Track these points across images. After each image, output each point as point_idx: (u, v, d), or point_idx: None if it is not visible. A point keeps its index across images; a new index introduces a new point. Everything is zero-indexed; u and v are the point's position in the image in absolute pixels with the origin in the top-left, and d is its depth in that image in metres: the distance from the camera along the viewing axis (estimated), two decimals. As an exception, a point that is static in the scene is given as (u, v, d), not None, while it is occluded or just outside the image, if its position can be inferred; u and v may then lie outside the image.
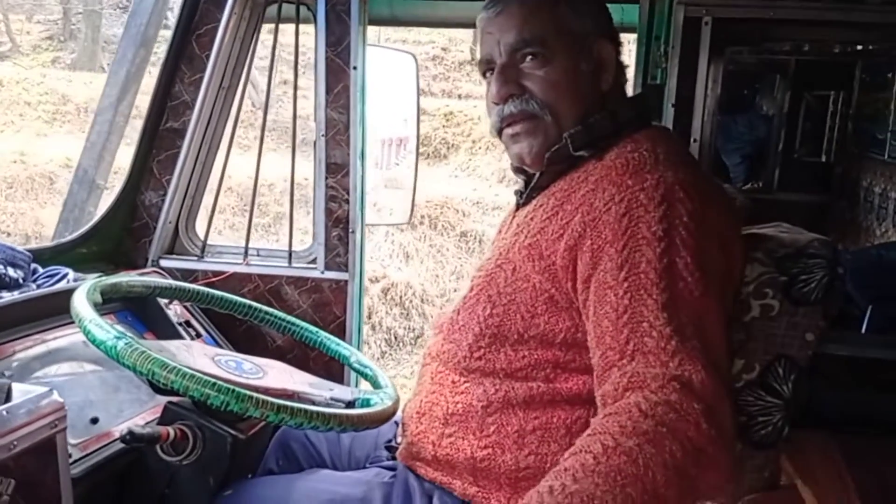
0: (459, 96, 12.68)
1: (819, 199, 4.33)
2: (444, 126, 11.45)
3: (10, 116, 11.73)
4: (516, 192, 1.50)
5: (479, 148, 11.32)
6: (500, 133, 1.40)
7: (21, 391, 1.11)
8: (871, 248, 3.07)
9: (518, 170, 1.50)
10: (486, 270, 1.38)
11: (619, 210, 1.17)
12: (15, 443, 1.03)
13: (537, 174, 1.41)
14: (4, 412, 1.04)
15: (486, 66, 1.39)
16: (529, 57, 1.33)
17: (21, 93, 12.15)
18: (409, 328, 7.79)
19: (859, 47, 4.03)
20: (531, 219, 1.35)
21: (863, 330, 2.20)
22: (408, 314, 7.92)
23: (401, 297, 7.93)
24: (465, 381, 1.35)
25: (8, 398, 1.10)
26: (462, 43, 13.64)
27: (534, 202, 1.39)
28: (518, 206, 1.47)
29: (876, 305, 2.22)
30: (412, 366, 7.11)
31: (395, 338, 7.58)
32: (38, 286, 1.74)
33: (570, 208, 1.26)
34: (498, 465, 1.29)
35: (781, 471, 1.27)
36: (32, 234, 8.67)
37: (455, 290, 8.08)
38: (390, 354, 7.34)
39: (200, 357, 1.46)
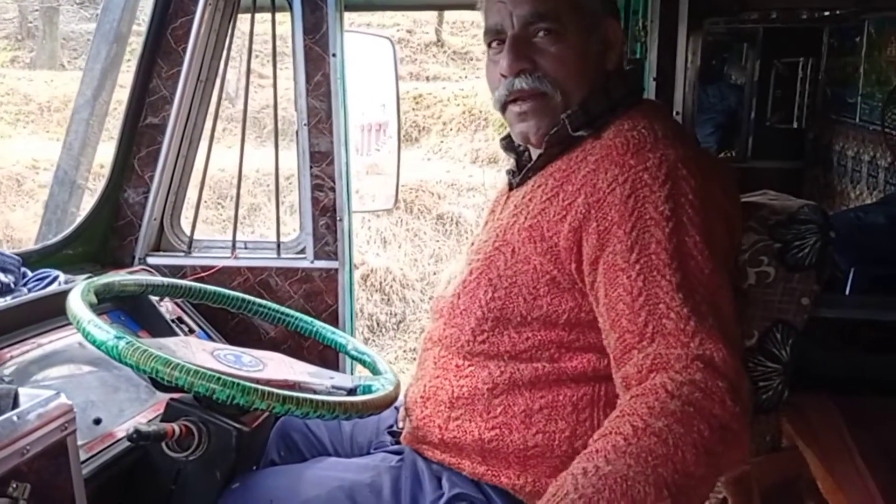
0: (427, 78, 12.62)
1: (793, 166, 4.40)
2: (413, 109, 11.40)
3: (-29, 119, 11.53)
4: (508, 172, 1.49)
5: (451, 130, 11.29)
6: (503, 107, 1.38)
7: (28, 395, 1.10)
8: (850, 212, 3.12)
9: (508, 147, 1.50)
10: (483, 253, 1.38)
11: (624, 191, 1.18)
12: (28, 447, 1.03)
13: (534, 154, 1.41)
14: (15, 417, 1.03)
15: (495, 37, 1.37)
16: (542, 32, 1.31)
17: (-21, 95, 11.94)
18: (390, 314, 7.79)
19: (826, 13, 4.09)
20: (529, 200, 1.34)
21: (846, 292, 2.25)
22: (388, 300, 7.92)
23: (381, 283, 7.93)
24: (469, 365, 1.35)
25: (15, 403, 1.10)
26: (427, 24, 13.56)
27: (530, 182, 1.38)
28: (511, 187, 1.46)
29: (858, 267, 2.27)
30: (396, 351, 7.13)
31: (378, 324, 7.58)
32: (30, 290, 1.72)
33: (572, 189, 1.26)
34: (506, 444, 1.30)
35: (783, 434, 1.30)
36: (3, 237, 8.53)
37: (435, 274, 8.08)
38: (373, 341, 7.34)
39: (199, 353, 1.45)
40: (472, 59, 13.41)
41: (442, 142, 11.12)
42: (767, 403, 1.26)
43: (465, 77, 12.86)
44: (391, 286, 7.97)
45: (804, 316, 1.27)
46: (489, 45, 1.39)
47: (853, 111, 3.87)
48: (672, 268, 1.11)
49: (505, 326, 1.31)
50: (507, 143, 1.52)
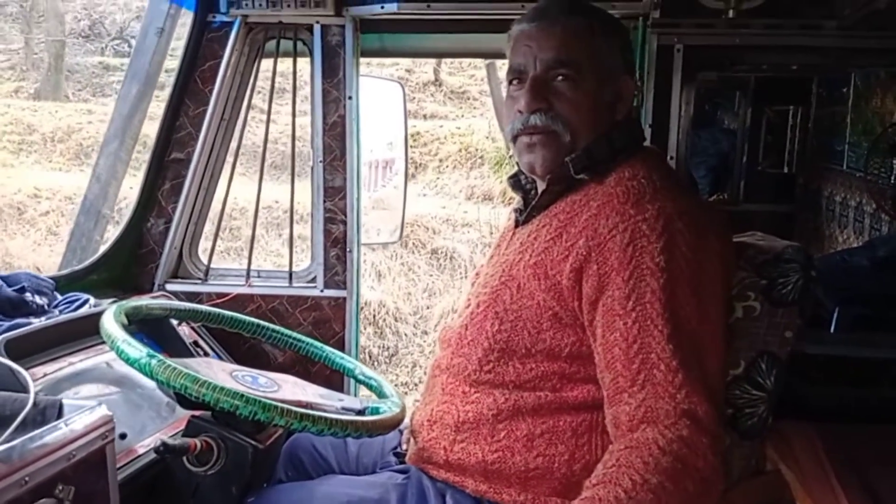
0: (425, 116, 12.70)
1: (784, 209, 4.50)
2: (411, 146, 11.43)
3: (-27, 148, 11.60)
4: (515, 210, 1.59)
5: (447, 166, 11.36)
6: (514, 138, 1.48)
7: (71, 406, 1.20)
8: (836, 254, 3.23)
9: (516, 185, 1.60)
10: (490, 287, 1.46)
11: (624, 239, 1.28)
12: (74, 452, 1.11)
13: (538, 194, 1.51)
14: (63, 425, 1.12)
15: (516, 75, 1.47)
16: (561, 77, 1.42)
17: (-16, 124, 12.03)
18: (383, 347, 7.79)
19: (815, 64, 4.23)
20: (534, 238, 1.43)
21: (832, 330, 2.34)
22: (381, 333, 7.93)
23: (374, 316, 7.93)
24: (475, 392, 1.43)
25: (60, 413, 1.19)
26: (425, 64, 13.69)
27: (535, 221, 1.47)
28: (517, 224, 1.55)
29: (843, 307, 2.36)
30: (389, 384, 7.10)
31: (370, 357, 7.58)
32: (60, 311, 1.82)
33: (575, 231, 1.36)
34: (508, 466, 1.38)
35: (766, 458, 1.39)
36: (3, 265, 8.58)
37: (428, 308, 8.10)
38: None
39: (220, 373, 1.53)
40: (468, 99, 13.54)
41: (438, 178, 11.19)
42: (752, 430, 1.36)
43: (462, 116, 12.97)
44: (384, 319, 7.97)
45: (788, 348, 1.37)
46: (510, 83, 1.49)
47: (841, 158, 3.99)
48: (664, 318, 1.23)
49: (510, 357, 1.40)
50: (515, 182, 1.61)
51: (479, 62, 13.10)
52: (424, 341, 7.85)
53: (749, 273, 1.39)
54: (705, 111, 5.38)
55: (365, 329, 7.68)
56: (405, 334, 7.92)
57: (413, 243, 8.99)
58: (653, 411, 1.19)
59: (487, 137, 11.93)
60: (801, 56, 2.14)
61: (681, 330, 1.23)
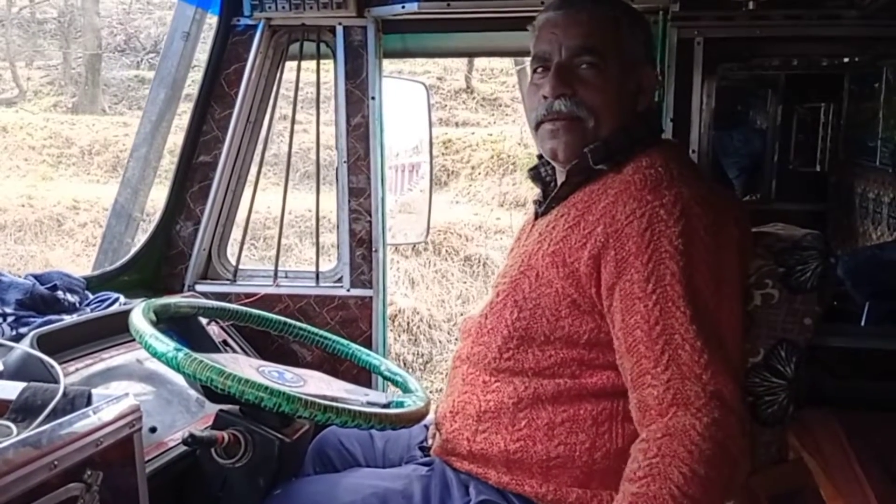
0: (456, 124, 12.76)
1: (816, 208, 4.45)
2: (443, 154, 11.53)
3: (15, 161, 11.87)
4: (535, 202, 1.61)
5: (479, 174, 11.39)
6: (538, 125, 1.50)
7: (100, 396, 1.23)
8: (867, 249, 3.19)
9: (536, 177, 1.63)
10: (510, 277, 1.48)
11: (642, 224, 1.29)
12: (101, 439, 1.14)
13: (557, 186, 1.52)
14: (91, 412, 1.16)
15: (541, 63, 1.49)
16: (586, 64, 1.44)
17: (25, 137, 12.31)
18: (417, 354, 7.82)
19: (846, 60, 4.18)
20: (553, 228, 1.45)
21: (862, 324, 2.31)
22: (416, 340, 7.96)
23: (408, 324, 7.97)
24: (495, 381, 1.45)
25: (89, 403, 1.22)
26: (457, 72, 13.75)
27: (554, 212, 1.49)
28: (537, 216, 1.57)
29: (873, 301, 2.34)
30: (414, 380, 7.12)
31: (404, 364, 7.60)
32: (92, 310, 1.86)
33: (592, 219, 1.37)
34: (530, 455, 1.39)
35: (788, 447, 1.38)
36: (44, 274, 8.74)
37: (461, 315, 8.12)
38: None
39: (247, 368, 1.56)
40: (500, 106, 13.56)
41: (470, 185, 11.22)
42: (773, 417, 1.35)
43: (494, 122, 13.00)
44: (418, 326, 8.00)
45: (808, 335, 1.36)
46: (535, 71, 1.51)
47: (873, 155, 3.93)
48: (685, 300, 1.24)
49: (529, 345, 1.41)
50: (535, 174, 1.64)
51: (510, 68, 13.16)
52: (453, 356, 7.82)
53: (767, 261, 1.39)
54: (737, 111, 5.34)
55: (399, 336, 7.71)
56: (439, 341, 7.94)
57: (446, 250, 9.02)
58: (682, 393, 1.20)
59: (520, 144, 11.94)
60: (823, 47, 2.13)
61: (702, 312, 1.24)
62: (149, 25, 14.73)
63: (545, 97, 1.46)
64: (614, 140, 1.45)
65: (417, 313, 8.11)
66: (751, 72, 4.61)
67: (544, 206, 1.55)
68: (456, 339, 8.01)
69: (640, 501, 1.15)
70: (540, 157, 1.62)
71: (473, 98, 13.75)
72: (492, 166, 11.60)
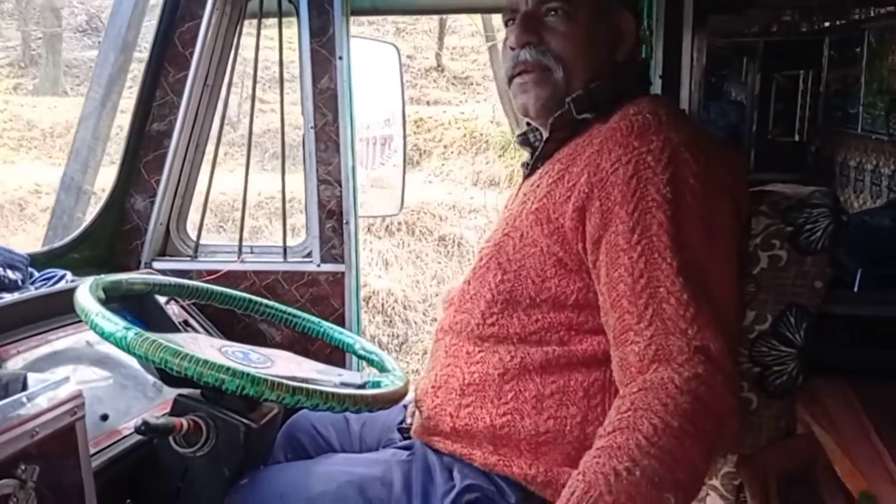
0: (428, 102, 12.73)
1: (796, 178, 4.39)
2: (414, 132, 11.49)
3: (-26, 145, 11.60)
4: (523, 165, 1.52)
5: (452, 152, 11.37)
6: (510, 81, 1.43)
7: (37, 380, 1.10)
8: (856, 215, 3.12)
9: (524, 142, 1.54)
10: (493, 241, 1.39)
11: (627, 171, 1.19)
12: (37, 429, 1.02)
13: (541, 144, 1.43)
14: (24, 399, 1.03)
15: (510, 15, 1.42)
16: (553, 12, 1.36)
17: (-16, 121, 12.02)
18: (392, 335, 7.79)
19: (826, 24, 4.12)
20: (537, 186, 1.36)
21: (855, 290, 2.24)
22: (391, 321, 7.91)
23: (383, 305, 7.92)
24: (479, 351, 1.35)
25: (24, 388, 1.09)
26: (427, 50, 13.68)
27: (539, 171, 1.41)
28: (525, 178, 1.48)
29: (865, 268, 2.26)
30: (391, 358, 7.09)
31: (380, 345, 7.55)
32: (37, 288, 1.72)
33: (576, 170, 1.28)
34: (518, 430, 1.30)
35: (797, 419, 1.28)
36: (6, 260, 8.53)
37: (436, 295, 8.07)
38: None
39: (207, 348, 1.45)
40: (472, 84, 13.53)
41: (443, 164, 11.18)
42: (781, 388, 1.26)
43: (466, 101, 12.98)
44: (393, 308, 7.96)
45: (818, 300, 1.26)
46: (506, 24, 1.43)
47: (855, 122, 3.87)
48: (672, 251, 1.13)
49: (514, 309, 1.32)
50: (523, 139, 1.55)
51: (481, 46, 13.09)
52: (434, 328, 7.80)
53: (773, 219, 1.28)
54: (712, 83, 5.28)
55: (374, 318, 7.66)
56: (415, 322, 7.91)
57: (420, 231, 8.98)
58: (664, 349, 1.09)
59: (492, 122, 11.91)
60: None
61: (690, 264, 1.13)
62: (110, 5, 14.33)
63: (512, 48, 1.39)
64: (598, 90, 1.36)
65: (392, 294, 8.06)
66: (728, 38, 4.55)
67: (530, 166, 1.46)
68: (433, 320, 7.99)
69: (604, 455, 1.02)
70: (529, 123, 1.54)
71: (444, 76, 13.71)
72: (464, 145, 11.58)
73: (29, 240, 9.20)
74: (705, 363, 1.06)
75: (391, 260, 8.52)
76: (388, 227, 8.73)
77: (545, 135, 1.43)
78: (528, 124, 1.54)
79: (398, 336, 7.79)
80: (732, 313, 1.19)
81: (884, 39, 3.57)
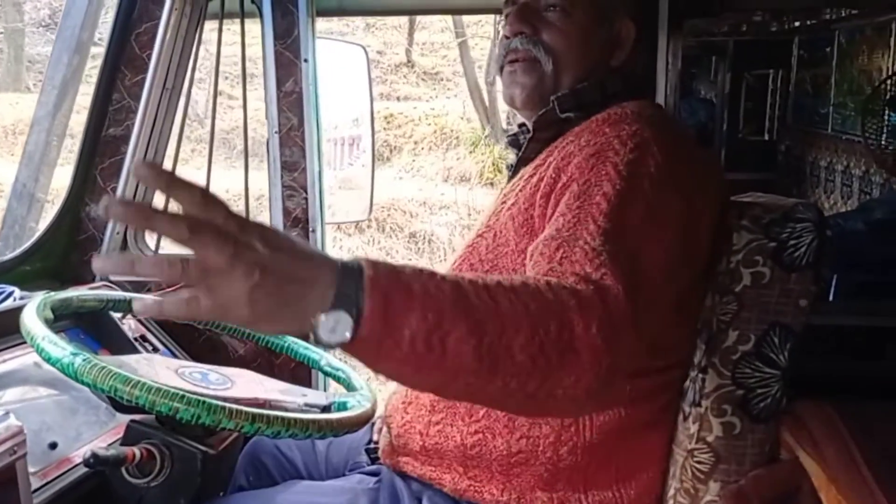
0: (398, 98, 12.75)
1: (766, 177, 4.40)
2: (385, 128, 11.47)
3: (-68, 141, 11.31)
4: (508, 167, 1.49)
5: (422, 148, 11.38)
6: (501, 70, 1.41)
7: (-28, 417, 1.02)
8: (829, 218, 3.12)
9: (513, 143, 1.49)
10: (468, 242, 1.35)
11: (591, 151, 1.16)
12: (-29, 473, 0.94)
13: (524, 146, 1.40)
14: (-44, 440, 0.94)
15: (510, 7, 1.40)
16: (552, 7, 1.34)
17: (-58, 118, 11.74)
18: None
19: (797, 24, 4.12)
20: (516, 187, 1.32)
21: (830, 299, 2.21)
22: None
23: (353, 303, 7.84)
24: None
25: (-42, 426, 1.01)
26: (397, 46, 13.65)
27: (521, 171, 1.37)
28: (508, 180, 1.44)
29: (840, 274, 2.24)
30: (368, 371, 7.02)
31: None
32: (-19, 306, 1.63)
33: (550, 160, 1.25)
34: (489, 450, 1.25)
35: (781, 444, 1.24)
36: (-37, 261, 8.34)
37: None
38: (346, 361, 7.24)
39: (163, 370, 1.37)
40: (442, 80, 13.55)
41: (414, 160, 11.17)
42: (765, 412, 1.21)
43: (436, 97, 12.99)
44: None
45: (802, 318, 1.21)
46: (505, 18, 1.41)
47: (825, 122, 3.88)
48: (606, 216, 1.02)
49: None
50: (513, 140, 1.51)
51: (451, 41, 13.06)
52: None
53: (756, 234, 1.23)
54: (681, 82, 5.27)
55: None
56: (385, 320, 7.82)
57: (390, 227, 8.95)
58: (558, 273, 0.94)
59: (462, 118, 11.90)
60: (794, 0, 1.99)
61: (619, 232, 1.00)
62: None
63: (506, 37, 1.37)
64: (585, 90, 1.34)
65: (362, 292, 7.98)
66: (697, 37, 4.54)
67: (514, 169, 1.42)
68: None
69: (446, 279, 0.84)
70: (521, 125, 1.50)
71: (414, 72, 13.71)
72: (435, 141, 11.58)
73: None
74: (592, 291, 0.89)
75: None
76: (357, 224, 8.66)
77: (530, 134, 1.40)
78: (521, 125, 1.50)
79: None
80: (656, 296, 1.01)
81: (854, 40, 3.57)
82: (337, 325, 0.76)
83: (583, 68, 1.35)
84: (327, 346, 0.77)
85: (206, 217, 0.74)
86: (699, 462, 1.22)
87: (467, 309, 0.81)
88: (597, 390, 0.86)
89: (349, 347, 0.77)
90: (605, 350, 0.85)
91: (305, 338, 0.81)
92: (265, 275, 0.74)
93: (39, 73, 13.39)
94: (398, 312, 0.77)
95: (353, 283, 0.77)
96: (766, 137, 4.66)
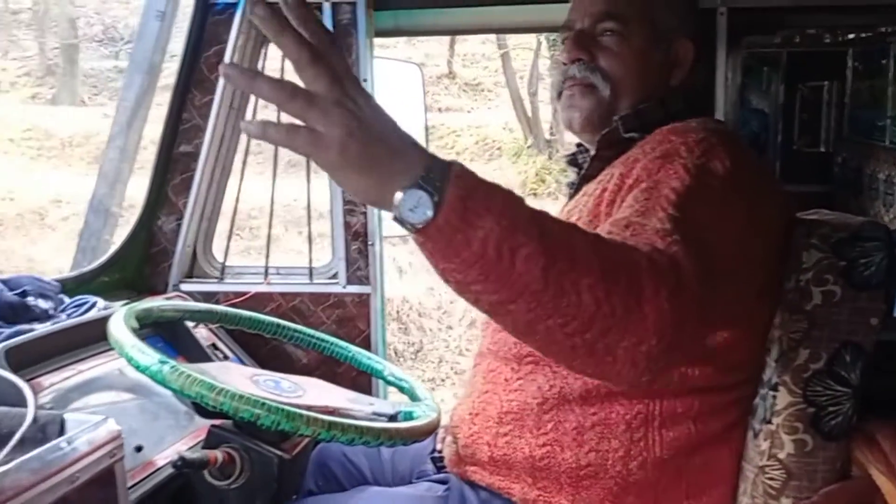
0: (439, 109, 12.77)
1: (823, 189, 4.33)
2: (427, 140, 11.47)
3: (-6, 154, 11.67)
4: (568, 185, 1.51)
5: (464, 159, 11.26)
6: (559, 95, 1.43)
7: (75, 421, 1.08)
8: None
9: (572, 162, 1.51)
10: None
11: (657, 155, 1.16)
12: (77, 475, 0.99)
13: (587, 163, 1.41)
14: (64, 444, 1.00)
15: (567, 33, 1.42)
16: (608, 32, 1.36)
17: (3, 130, 12.08)
18: (408, 343, 7.77)
19: (851, 36, 4.06)
20: (577, 204, 1.34)
21: (894, 314, 2.18)
22: (406, 329, 7.90)
23: (398, 312, 7.91)
24: (517, 378, 1.32)
25: (62, 430, 1.07)
26: (438, 57, 13.70)
27: (583, 190, 1.38)
28: (569, 199, 1.46)
29: (903, 289, 2.20)
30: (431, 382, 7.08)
31: (395, 353, 7.55)
32: (68, 316, 1.70)
33: (613, 172, 1.26)
34: (558, 463, 1.26)
35: (852, 462, 1.24)
36: (26, 269, 8.59)
37: (451, 302, 8.04)
38: (409, 369, 7.32)
39: (239, 378, 1.42)
40: (483, 91, 13.55)
41: (454, 172, 11.16)
42: (837, 430, 1.21)
43: (477, 108, 12.98)
44: (408, 315, 7.95)
45: (873, 337, 1.22)
46: (563, 42, 1.44)
47: (882, 134, 3.81)
48: (675, 206, 1.01)
49: None
50: (571, 159, 1.53)
51: (493, 53, 13.09)
52: (449, 336, 7.78)
53: (825, 253, 1.24)
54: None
55: (389, 325, 7.62)
56: (430, 329, 7.89)
57: (437, 238, 8.94)
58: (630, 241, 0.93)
59: (504, 128, 11.88)
60: (856, 17, 1.98)
61: (689, 223, 0.98)
62: (126, 15, 14.48)
63: (564, 64, 1.39)
64: (647, 111, 1.36)
65: (407, 301, 8.05)
66: (749, 49, 4.51)
67: (576, 187, 1.44)
68: (448, 328, 7.94)
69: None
70: (579, 144, 1.52)
71: (456, 83, 13.73)
72: (477, 151, 11.59)
73: (49, 249, 9.24)
74: (667, 262, 0.88)
75: (405, 267, 8.51)
76: (404, 236, 8.71)
77: (592, 153, 1.42)
78: (578, 145, 1.52)
79: (413, 344, 7.78)
80: (719, 288, 0.99)
81: (913, 52, 3.52)
82: (418, 204, 0.77)
83: (641, 90, 1.37)
84: (405, 225, 0.78)
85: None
86: (771, 479, 1.23)
87: (543, 232, 0.81)
88: (656, 358, 0.84)
89: (423, 232, 0.78)
90: (671, 319, 0.84)
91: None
92: (361, 128, 0.77)
93: (94, 86, 13.75)
94: (476, 210, 0.78)
95: (441, 171, 0.79)
96: (822, 149, 4.58)
